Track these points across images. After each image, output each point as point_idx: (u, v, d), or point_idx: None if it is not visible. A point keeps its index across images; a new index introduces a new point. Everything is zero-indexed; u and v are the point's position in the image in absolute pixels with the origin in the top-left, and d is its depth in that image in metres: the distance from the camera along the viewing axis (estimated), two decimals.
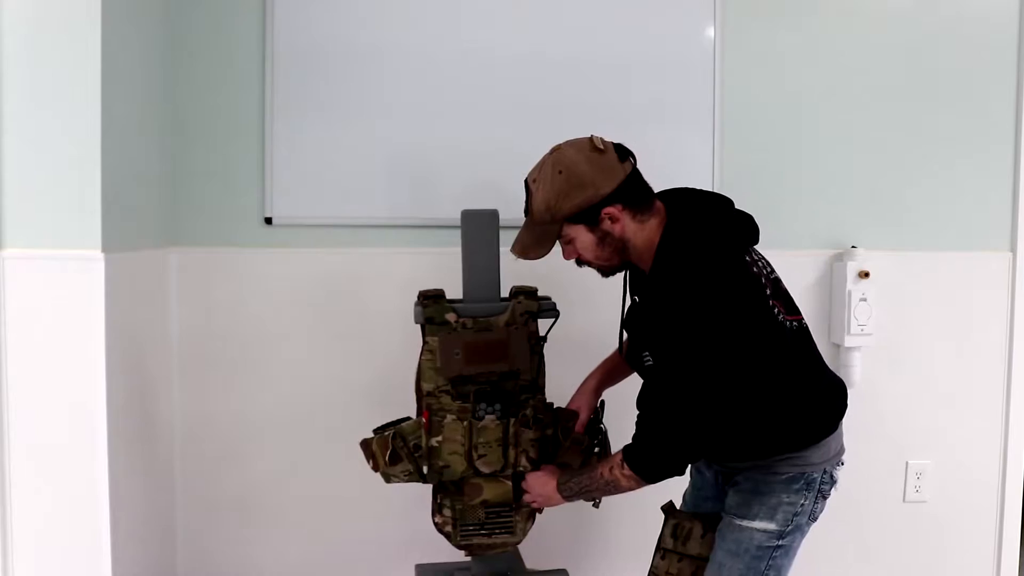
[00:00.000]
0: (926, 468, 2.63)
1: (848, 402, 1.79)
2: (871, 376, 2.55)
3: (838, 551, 2.62)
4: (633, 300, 1.73)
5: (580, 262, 1.75)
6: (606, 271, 1.75)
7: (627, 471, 1.66)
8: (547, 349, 1.96)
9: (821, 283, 2.56)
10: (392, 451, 1.89)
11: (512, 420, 1.88)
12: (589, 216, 1.64)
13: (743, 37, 2.51)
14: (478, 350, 1.87)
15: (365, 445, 1.92)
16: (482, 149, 2.43)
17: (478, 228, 1.95)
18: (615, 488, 1.71)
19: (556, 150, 1.68)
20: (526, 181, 1.71)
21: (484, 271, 1.95)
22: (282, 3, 2.37)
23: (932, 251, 2.59)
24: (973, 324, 2.61)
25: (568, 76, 2.45)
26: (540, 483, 1.87)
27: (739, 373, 1.57)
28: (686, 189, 1.74)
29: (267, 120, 2.39)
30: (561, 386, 1.98)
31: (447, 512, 1.95)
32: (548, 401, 1.96)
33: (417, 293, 1.95)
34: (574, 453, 1.91)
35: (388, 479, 1.92)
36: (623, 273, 1.82)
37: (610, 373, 1.99)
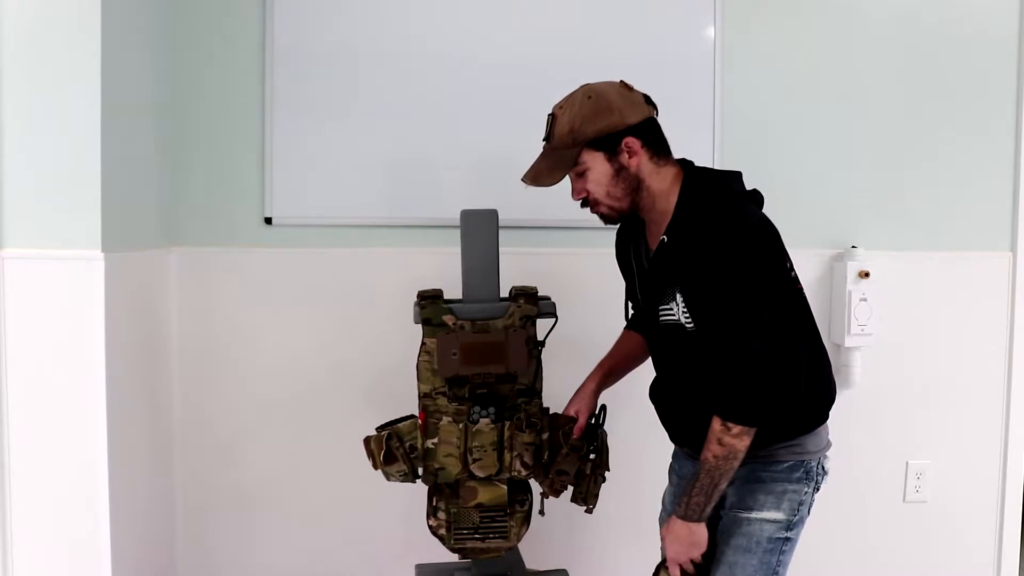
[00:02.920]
0: (926, 468, 2.62)
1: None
2: (871, 376, 2.55)
3: (838, 551, 2.62)
4: (660, 242, 1.64)
5: (587, 203, 1.71)
6: (611, 215, 1.70)
7: (735, 430, 1.54)
8: (545, 352, 1.96)
9: (821, 283, 2.55)
10: (387, 451, 1.89)
11: (507, 424, 1.88)
12: (610, 143, 1.63)
13: (743, 37, 2.51)
14: (475, 351, 1.87)
15: (366, 443, 1.92)
16: (482, 149, 2.43)
17: (477, 228, 1.95)
18: (734, 459, 1.56)
19: (586, 85, 1.69)
20: (550, 113, 1.70)
21: (483, 271, 1.95)
22: (282, 3, 2.37)
23: (932, 251, 2.59)
24: (973, 324, 2.60)
25: (568, 76, 2.43)
26: (679, 538, 1.65)
27: (773, 315, 1.54)
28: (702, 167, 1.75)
29: (267, 120, 2.39)
30: (559, 390, 1.98)
31: (441, 515, 1.94)
32: (545, 406, 1.96)
33: (416, 293, 1.95)
34: (572, 460, 1.90)
35: (388, 477, 1.93)
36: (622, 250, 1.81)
37: (609, 373, 1.96)
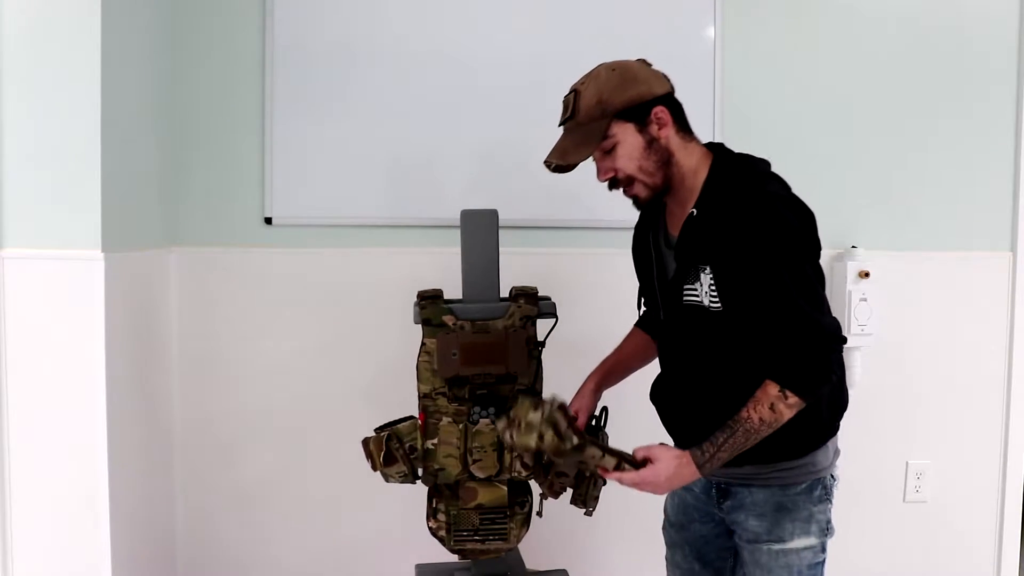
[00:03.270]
0: (926, 468, 2.62)
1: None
2: (871, 376, 2.55)
3: (838, 551, 2.60)
4: (690, 215, 1.55)
5: (615, 183, 1.61)
6: (645, 193, 1.60)
7: (792, 400, 1.45)
8: (545, 353, 1.96)
9: None
10: (386, 452, 1.88)
11: None
12: (640, 113, 1.56)
13: (743, 37, 2.51)
14: (475, 351, 1.87)
15: (365, 444, 1.92)
16: (482, 149, 2.43)
17: (477, 228, 1.95)
18: (775, 427, 1.48)
19: (604, 63, 1.63)
20: (569, 92, 1.62)
21: (483, 271, 1.95)
22: (282, 3, 2.37)
23: (932, 251, 2.59)
24: (973, 324, 2.60)
25: (568, 76, 2.41)
26: (669, 468, 1.52)
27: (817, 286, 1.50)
28: None
29: (267, 120, 2.39)
30: (559, 391, 1.96)
31: (441, 517, 1.94)
32: None
33: (416, 293, 1.95)
34: (571, 462, 1.89)
35: (387, 479, 1.92)
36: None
37: (610, 373, 1.90)
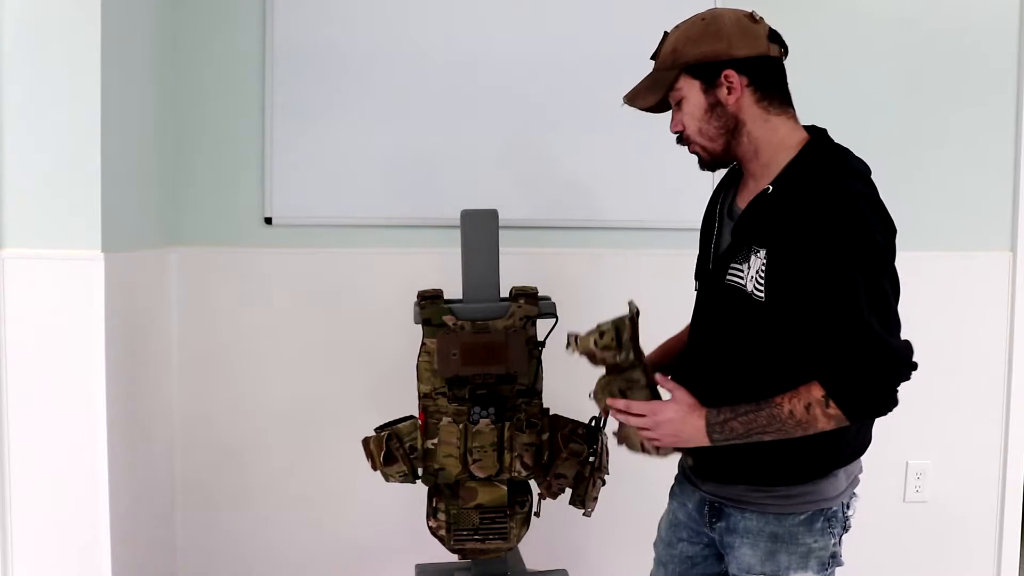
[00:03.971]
0: (926, 468, 2.63)
1: None
2: None
3: None
4: (764, 191, 1.44)
5: (682, 140, 1.54)
6: (706, 157, 1.52)
7: (833, 410, 1.35)
8: (546, 353, 1.96)
9: None
10: (387, 451, 1.88)
11: (507, 424, 1.88)
12: (709, 72, 1.46)
13: None
14: (476, 351, 1.87)
15: (365, 443, 1.92)
16: (481, 149, 2.44)
17: (478, 228, 1.95)
18: (805, 430, 1.37)
19: (712, 8, 1.55)
20: (664, 32, 1.55)
21: (484, 271, 1.95)
22: (282, 4, 2.37)
23: (932, 251, 2.58)
24: (973, 324, 2.60)
25: (567, 77, 2.45)
26: (679, 411, 1.46)
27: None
28: None
29: (267, 120, 2.39)
30: (559, 391, 1.98)
31: (441, 516, 1.94)
32: (545, 407, 1.96)
33: (417, 293, 1.95)
34: (571, 464, 1.89)
35: (388, 478, 1.92)
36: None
37: (668, 351, 1.78)
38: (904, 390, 2.64)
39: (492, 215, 1.95)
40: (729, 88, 1.46)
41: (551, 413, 1.95)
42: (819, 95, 2.55)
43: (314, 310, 2.43)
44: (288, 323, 2.43)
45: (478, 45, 2.43)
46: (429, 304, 1.90)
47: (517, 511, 1.94)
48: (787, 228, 1.37)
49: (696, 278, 1.62)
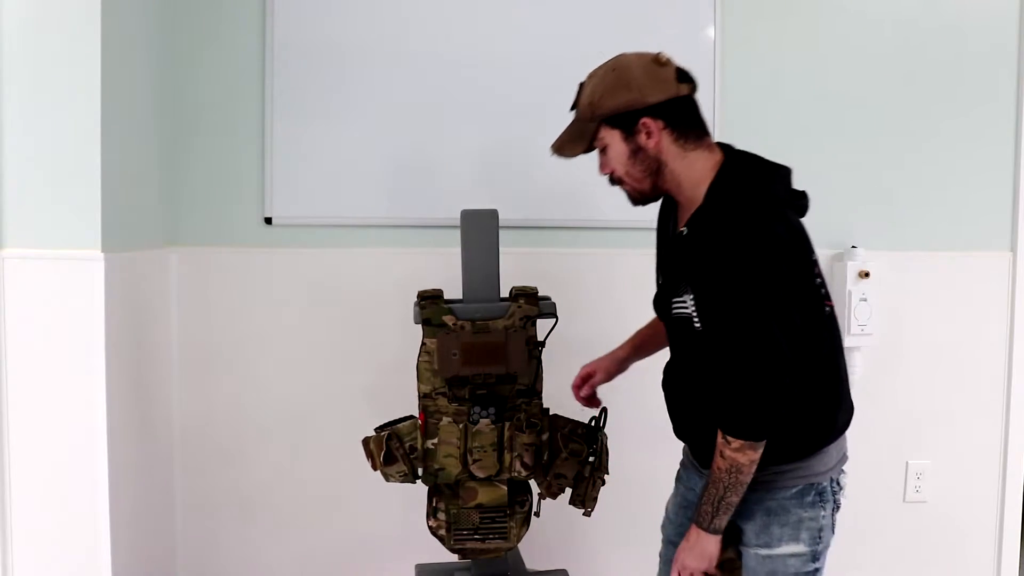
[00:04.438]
0: (926, 468, 2.62)
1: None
2: (871, 376, 2.55)
3: (838, 551, 2.60)
4: (679, 233, 1.55)
5: (613, 180, 1.63)
6: (636, 196, 1.62)
7: (735, 444, 1.48)
8: (546, 353, 1.96)
9: None
10: (387, 451, 1.88)
11: (507, 424, 1.88)
12: (626, 122, 1.54)
13: (743, 37, 2.51)
14: (476, 351, 1.87)
15: (365, 443, 1.92)
16: (481, 149, 2.44)
17: (478, 228, 1.95)
18: (738, 472, 1.49)
19: (619, 55, 1.60)
20: (582, 81, 1.63)
21: (484, 271, 1.95)
22: (282, 3, 2.37)
23: (932, 251, 2.59)
24: (973, 324, 2.60)
25: (567, 76, 2.42)
26: (697, 550, 1.58)
27: (786, 332, 1.46)
28: (744, 151, 1.64)
29: (267, 120, 2.39)
30: (559, 391, 1.98)
31: (441, 516, 1.94)
32: (545, 407, 1.96)
33: (417, 293, 1.95)
34: (571, 464, 1.89)
35: (388, 478, 1.93)
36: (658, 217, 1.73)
37: (642, 345, 1.89)
38: (904, 390, 2.66)
39: (492, 215, 1.96)
40: (648, 134, 1.54)
41: (551, 413, 1.96)
42: (819, 95, 2.55)
43: (314, 310, 2.43)
44: (288, 323, 2.43)
45: (479, 45, 2.43)
46: (429, 304, 1.90)
47: (517, 511, 1.94)
48: (697, 270, 1.49)
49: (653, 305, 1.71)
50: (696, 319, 1.52)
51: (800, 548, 1.57)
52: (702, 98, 2.46)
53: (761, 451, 1.49)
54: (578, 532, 2.50)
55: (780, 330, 1.45)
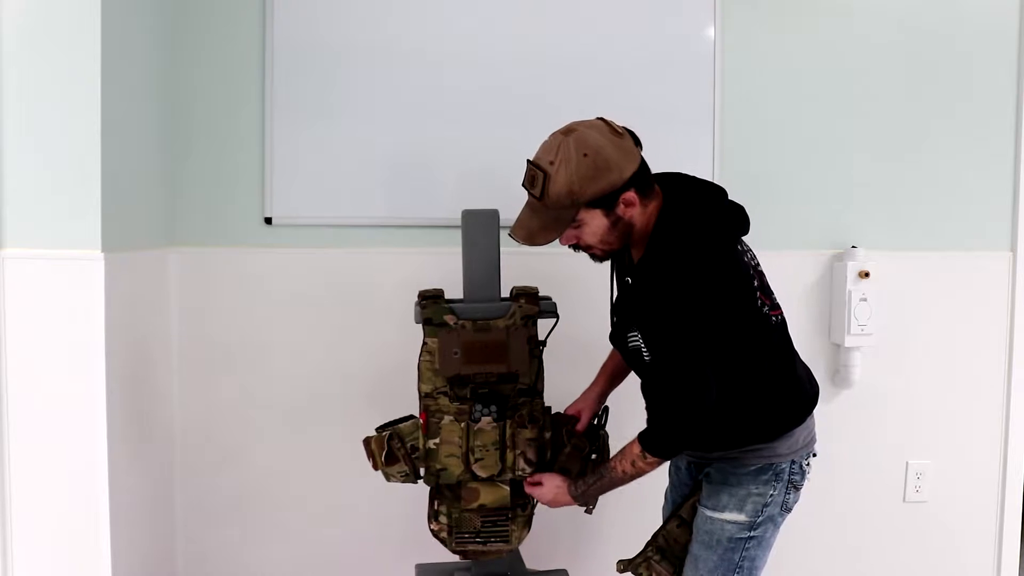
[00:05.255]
0: (926, 468, 2.63)
1: (819, 398, 1.80)
2: (871, 376, 2.55)
3: (839, 551, 2.62)
4: (624, 281, 1.71)
5: (576, 247, 1.71)
6: (603, 256, 1.72)
7: (650, 459, 1.66)
8: (546, 352, 1.96)
9: (821, 283, 2.56)
10: (388, 451, 1.88)
11: (509, 422, 1.88)
12: (609, 200, 1.60)
13: (743, 37, 2.51)
14: (477, 350, 1.87)
15: (367, 443, 1.92)
16: (482, 149, 2.43)
17: (479, 228, 1.95)
18: (637, 477, 1.71)
19: (572, 131, 1.62)
20: (536, 163, 1.63)
21: (484, 271, 1.95)
22: (282, 3, 2.37)
23: (932, 251, 2.59)
24: (973, 324, 2.61)
25: (568, 76, 2.45)
26: (550, 497, 1.85)
27: (722, 356, 1.60)
28: (681, 175, 1.73)
29: (267, 120, 2.39)
30: (560, 390, 1.98)
31: (443, 519, 1.94)
32: (547, 405, 1.96)
33: (417, 293, 1.95)
34: (574, 459, 1.90)
35: (389, 478, 1.92)
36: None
37: (614, 376, 1.98)
38: (904, 390, 2.66)
39: (493, 215, 1.96)
40: (627, 204, 1.61)
41: (552, 412, 1.96)
42: (819, 95, 2.55)
43: (314, 310, 2.43)
44: (288, 323, 2.43)
45: (479, 44, 2.43)
46: (430, 303, 1.90)
47: (519, 514, 1.94)
48: (640, 312, 1.61)
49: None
50: (645, 352, 1.64)
51: (740, 517, 1.71)
52: (702, 98, 2.49)
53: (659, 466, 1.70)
54: (578, 532, 2.51)
55: (707, 361, 1.58)
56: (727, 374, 1.62)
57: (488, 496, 1.90)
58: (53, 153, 1.95)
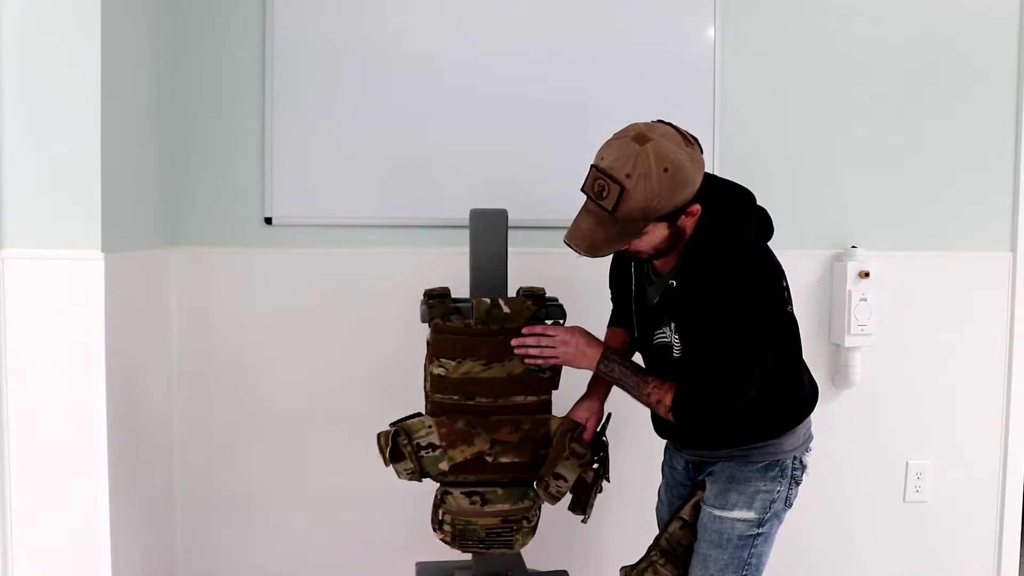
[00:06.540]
0: (926, 468, 2.63)
1: (819, 397, 1.84)
2: (871, 376, 2.56)
3: (839, 551, 2.62)
4: (669, 284, 1.66)
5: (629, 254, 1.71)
6: (649, 257, 1.68)
7: (669, 416, 1.66)
8: None
9: (821, 283, 2.56)
10: (393, 447, 1.86)
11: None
12: (677, 214, 1.57)
13: (743, 37, 2.51)
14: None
15: (378, 438, 1.88)
16: (481, 149, 2.43)
17: (487, 228, 1.94)
18: (648, 407, 1.72)
19: (647, 139, 1.53)
20: (610, 174, 1.53)
21: (492, 271, 1.94)
22: (282, 3, 2.37)
23: (932, 251, 2.59)
24: (973, 324, 2.61)
25: (568, 76, 2.45)
26: (584, 342, 1.77)
27: (772, 348, 1.63)
28: (713, 177, 1.70)
29: (267, 120, 2.39)
30: (564, 391, 1.97)
31: (447, 528, 1.90)
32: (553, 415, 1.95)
33: (423, 292, 1.93)
34: (572, 465, 1.88)
35: (398, 475, 1.88)
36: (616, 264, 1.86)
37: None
38: (904, 390, 2.67)
39: (501, 215, 1.95)
40: (690, 214, 1.59)
41: (553, 415, 1.95)
42: (819, 95, 2.56)
43: (314, 310, 2.43)
44: (288, 323, 2.42)
45: (480, 44, 2.43)
46: (437, 302, 1.88)
47: (524, 526, 1.91)
48: (692, 306, 1.61)
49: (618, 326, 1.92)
50: (676, 348, 1.66)
51: (750, 515, 1.73)
52: (702, 98, 2.49)
53: None
54: (578, 532, 2.50)
55: (759, 360, 1.60)
56: (772, 363, 1.64)
57: (505, 499, 1.88)
58: (53, 153, 1.94)
